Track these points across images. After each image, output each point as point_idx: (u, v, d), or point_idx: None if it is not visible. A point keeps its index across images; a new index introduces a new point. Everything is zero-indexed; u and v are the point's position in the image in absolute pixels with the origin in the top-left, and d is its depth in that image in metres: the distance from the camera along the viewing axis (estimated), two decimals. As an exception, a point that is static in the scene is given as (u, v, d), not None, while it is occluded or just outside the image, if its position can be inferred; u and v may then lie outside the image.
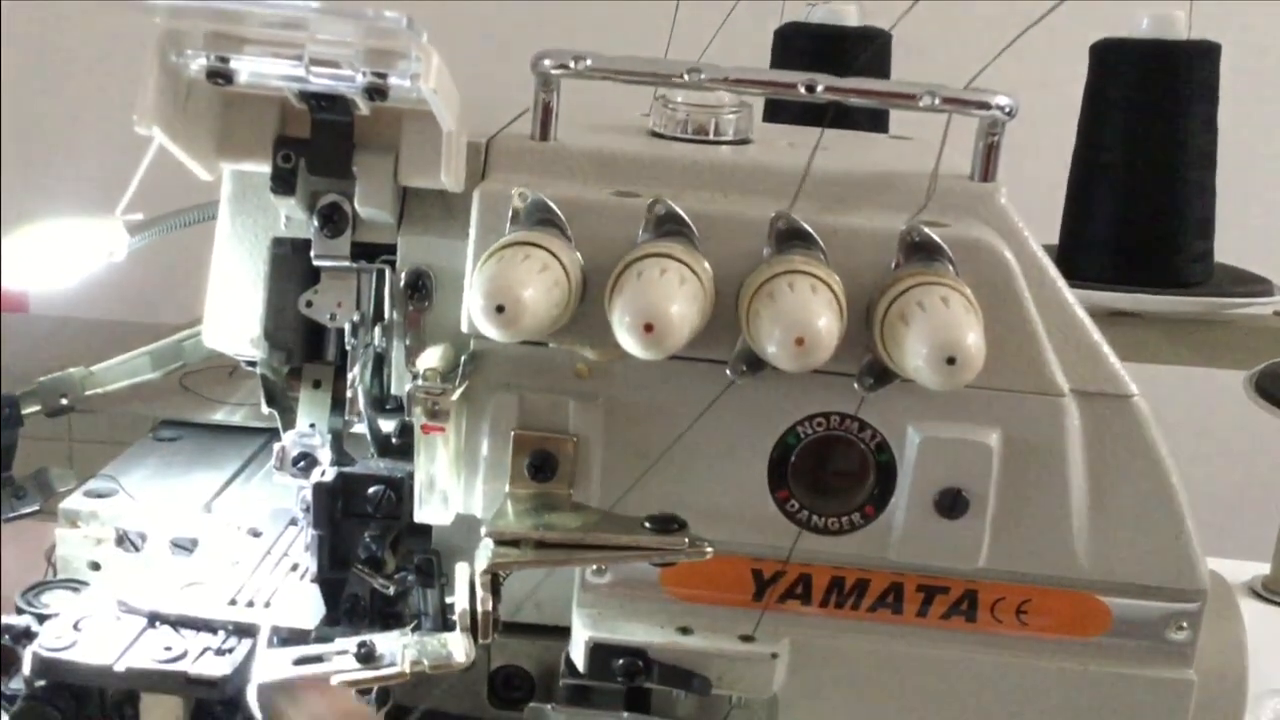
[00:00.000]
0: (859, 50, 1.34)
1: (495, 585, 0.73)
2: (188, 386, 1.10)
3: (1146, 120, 1.36)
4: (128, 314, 1.41)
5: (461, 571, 0.76)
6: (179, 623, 0.79)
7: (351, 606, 0.84)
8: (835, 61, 1.34)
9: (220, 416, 1.08)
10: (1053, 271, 0.78)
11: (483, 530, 0.74)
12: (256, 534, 0.90)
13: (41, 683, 0.75)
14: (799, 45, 1.38)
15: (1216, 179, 1.39)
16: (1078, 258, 1.40)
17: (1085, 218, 1.40)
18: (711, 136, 0.85)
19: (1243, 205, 1.52)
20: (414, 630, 0.82)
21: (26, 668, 0.75)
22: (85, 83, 2.03)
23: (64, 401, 1.00)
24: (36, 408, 0.99)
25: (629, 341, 0.68)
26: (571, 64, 0.77)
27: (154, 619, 0.79)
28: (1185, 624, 0.79)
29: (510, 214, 0.76)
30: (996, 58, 0.81)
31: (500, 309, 0.68)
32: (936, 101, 0.75)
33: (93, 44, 2.01)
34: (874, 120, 1.26)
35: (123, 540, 0.89)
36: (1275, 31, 1.98)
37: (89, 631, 0.77)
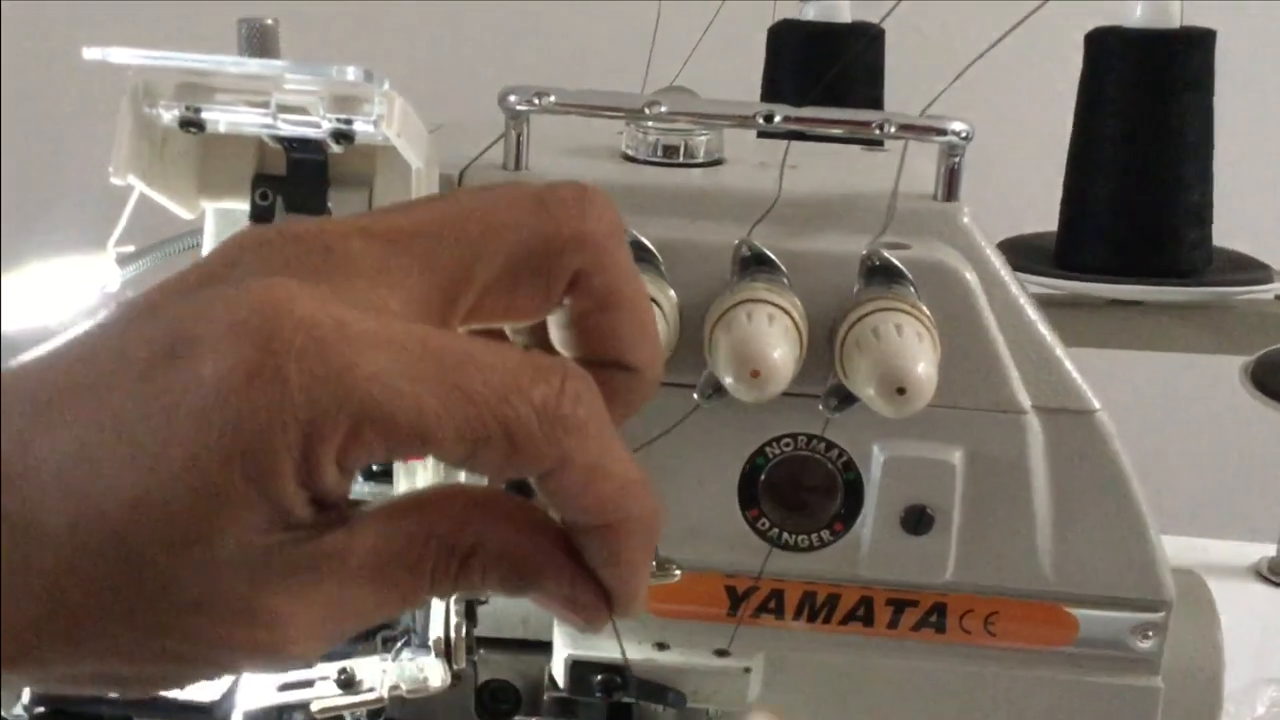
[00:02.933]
0: (852, 46, 1.35)
1: (470, 610, 0.76)
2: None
3: (1141, 109, 1.37)
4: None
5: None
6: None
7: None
8: (829, 58, 1.36)
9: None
10: (1015, 289, 0.80)
11: (459, 556, 0.77)
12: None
13: (40, 709, 0.78)
14: (792, 43, 1.39)
15: (1214, 166, 1.39)
16: (1075, 248, 1.41)
17: (1081, 207, 1.41)
18: (682, 159, 0.86)
19: (1241, 190, 1.52)
20: (403, 645, 0.85)
21: (26, 695, 0.79)
22: (79, 117, 2.09)
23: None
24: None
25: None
26: (536, 100, 0.79)
27: (148, 645, 0.82)
28: (1151, 633, 0.80)
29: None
30: (976, 61, 0.82)
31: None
32: (892, 129, 0.76)
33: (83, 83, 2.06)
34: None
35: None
36: (1270, 16, 1.97)
37: (86, 659, 0.81)
